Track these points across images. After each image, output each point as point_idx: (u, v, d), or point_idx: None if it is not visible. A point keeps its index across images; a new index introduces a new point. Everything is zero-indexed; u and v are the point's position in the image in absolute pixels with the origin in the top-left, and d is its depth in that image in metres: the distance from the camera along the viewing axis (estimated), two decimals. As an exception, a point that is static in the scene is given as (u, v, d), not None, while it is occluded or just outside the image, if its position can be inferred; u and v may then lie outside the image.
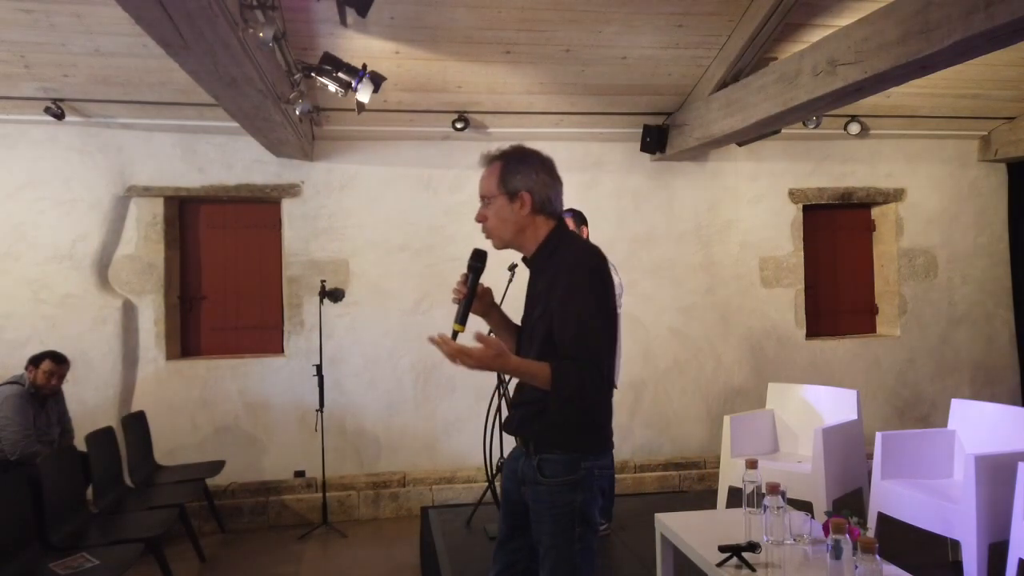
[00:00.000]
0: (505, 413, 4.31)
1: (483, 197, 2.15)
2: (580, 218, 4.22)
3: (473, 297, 2.13)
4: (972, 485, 3.36)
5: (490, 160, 2.16)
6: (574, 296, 1.99)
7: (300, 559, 4.58)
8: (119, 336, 5.19)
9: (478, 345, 1.90)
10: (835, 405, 4.60)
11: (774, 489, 2.81)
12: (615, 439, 2.35)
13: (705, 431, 5.90)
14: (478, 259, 2.14)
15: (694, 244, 5.95)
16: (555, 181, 2.14)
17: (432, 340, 1.91)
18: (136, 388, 5.27)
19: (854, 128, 5.68)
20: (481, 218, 2.16)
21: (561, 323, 2.00)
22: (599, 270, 2.05)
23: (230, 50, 2.92)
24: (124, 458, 4.66)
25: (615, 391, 2.21)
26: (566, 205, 4.28)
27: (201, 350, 5.56)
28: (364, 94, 3.76)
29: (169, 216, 5.39)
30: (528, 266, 2.22)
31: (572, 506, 2.05)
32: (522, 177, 2.09)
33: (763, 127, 4.57)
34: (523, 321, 2.26)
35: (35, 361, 4.40)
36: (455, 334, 1.99)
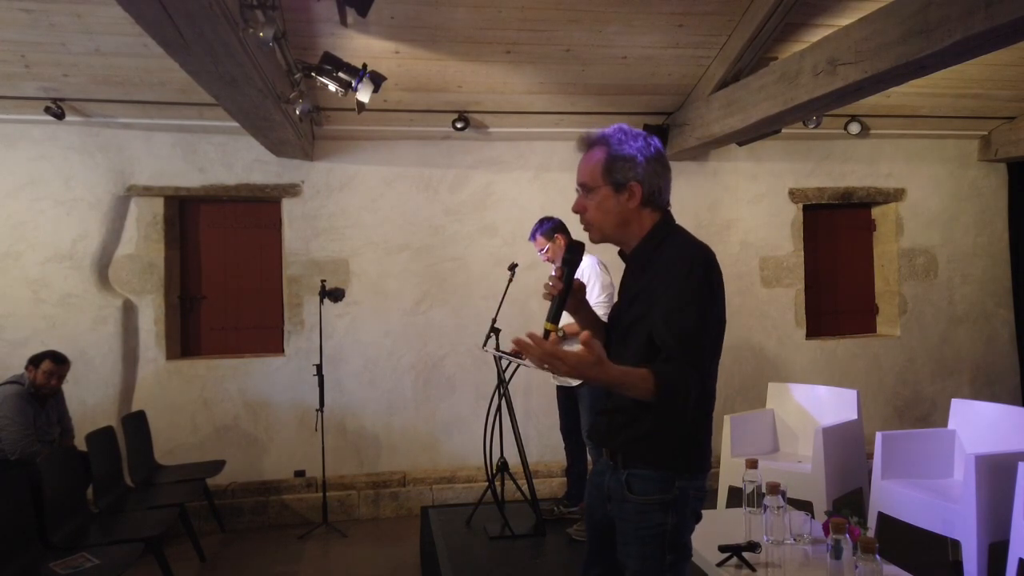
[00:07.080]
0: (505, 413, 4.31)
1: (582, 186, 1.92)
2: (559, 228, 4.18)
3: (569, 293, 1.91)
4: (972, 485, 3.36)
5: (590, 144, 1.93)
6: (681, 296, 1.76)
7: (300, 559, 4.57)
8: (119, 336, 5.19)
9: (576, 347, 1.63)
10: (835, 405, 4.60)
11: (774, 489, 2.82)
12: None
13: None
14: (575, 251, 1.95)
15: (694, 244, 5.94)
16: (665, 170, 1.91)
17: (518, 341, 1.67)
18: (136, 388, 5.26)
19: (854, 128, 5.68)
20: (580, 209, 1.93)
21: (665, 326, 1.76)
22: (708, 268, 1.80)
23: (230, 50, 2.91)
24: (124, 458, 4.66)
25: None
26: (553, 212, 4.29)
27: (201, 350, 5.56)
28: (364, 94, 3.76)
29: (169, 216, 5.39)
30: (626, 261, 1.99)
31: (662, 529, 1.83)
32: (631, 166, 1.86)
33: (763, 127, 4.57)
34: (611, 319, 2.08)
35: (35, 361, 4.40)
36: (547, 333, 1.73)
